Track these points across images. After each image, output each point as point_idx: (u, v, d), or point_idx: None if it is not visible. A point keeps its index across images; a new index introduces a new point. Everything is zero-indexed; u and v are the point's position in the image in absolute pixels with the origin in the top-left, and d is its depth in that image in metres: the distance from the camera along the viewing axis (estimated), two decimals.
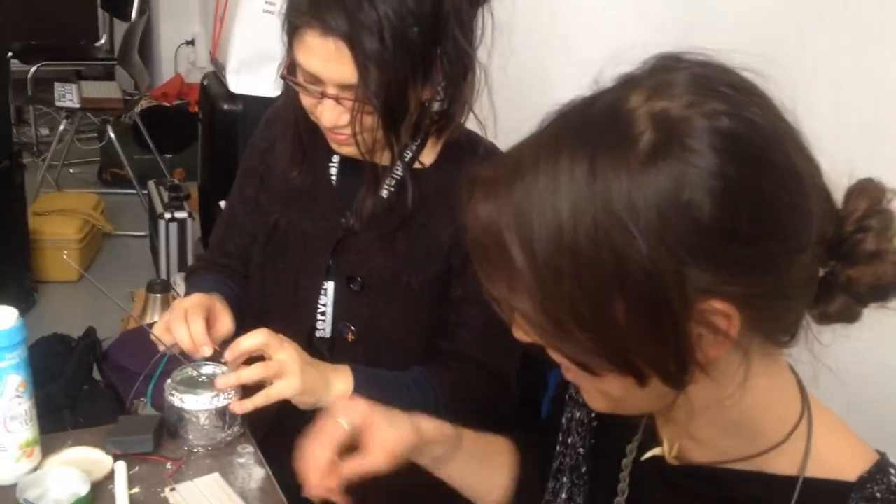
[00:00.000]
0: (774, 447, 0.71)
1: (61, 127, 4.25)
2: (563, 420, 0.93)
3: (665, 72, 0.65)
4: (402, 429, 0.94)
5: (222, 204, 3.37)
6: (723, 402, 0.69)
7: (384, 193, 1.28)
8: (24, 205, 3.34)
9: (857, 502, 0.68)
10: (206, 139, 3.50)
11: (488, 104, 1.22)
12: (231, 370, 1.21)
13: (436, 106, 1.22)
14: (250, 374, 1.18)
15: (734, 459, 0.73)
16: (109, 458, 1.15)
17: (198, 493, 1.11)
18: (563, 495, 0.91)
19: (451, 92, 1.20)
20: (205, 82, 3.57)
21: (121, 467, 1.13)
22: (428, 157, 1.30)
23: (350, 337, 1.35)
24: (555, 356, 0.71)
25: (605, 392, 0.70)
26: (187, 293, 1.44)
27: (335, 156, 1.34)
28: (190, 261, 3.47)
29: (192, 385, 1.22)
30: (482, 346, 1.31)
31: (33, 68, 4.46)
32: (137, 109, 4.36)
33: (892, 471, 0.70)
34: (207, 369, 1.24)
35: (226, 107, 3.32)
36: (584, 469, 0.90)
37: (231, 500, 1.11)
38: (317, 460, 0.93)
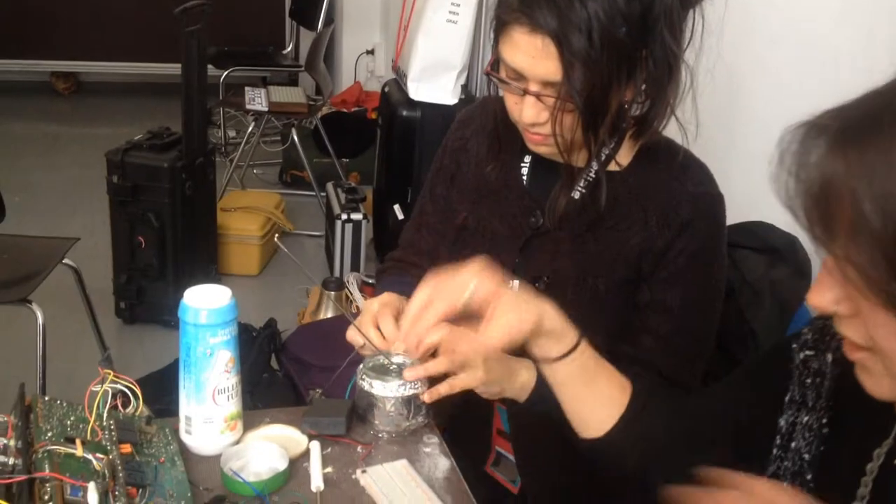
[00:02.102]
0: None
1: (249, 129, 4.48)
2: (782, 422, 0.91)
3: None
4: (526, 315, 1.00)
5: (396, 207, 3.49)
6: None
7: (576, 194, 1.28)
8: (214, 200, 3.55)
9: None
10: (384, 144, 3.61)
11: (691, 108, 1.19)
12: (418, 363, 1.25)
13: (636, 108, 1.21)
14: (436, 366, 1.20)
15: None
16: (305, 438, 1.20)
17: (387, 477, 1.15)
18: None
19: (654, 94, 1.19)
20: (385, 89, 3.68)
21: (315, 447, 1.18)
22: (624, 159, 1.29)
23: None
24: (851, 329, 0.70)
25: None
26: (378, 293, 1.50)
27: (527, 156, 1.35)
28: (363, 261, 3.58)
29: (383, 372, 1.26)
30: (665, 353, 1.28)
31: (225, 73, 4.73)
32: (319, 115, 4.54)
33: None
34: (398, 359, 1.28)
35: (405, 113, 3.42)
36: (808, 476, 0.88)
37: (419, 486, 1.13)
38: (424, 308, 1.02)
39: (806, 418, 0.89)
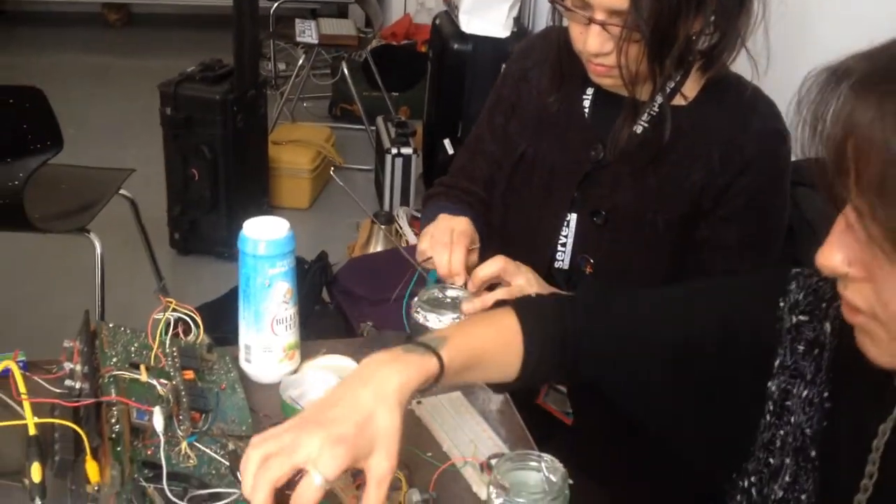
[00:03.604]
0: None
1: (300, 61, 4.46)
2: (774, 388, 0.86)
3: None
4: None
5: (446, 142, 3.47)
6: None
7: (639, 128, 1.25)
8: (265, 133, 3.55)
9: None
10: (435, 78, 3.58)
11: (763, 40, 1.15)
12: (473, 295, 1.25)
13: (704, 39, 1.17)
14: (493, 297, 1.20)
15: None
16: None
17: (442, 408, 1.16)
18: (787, 477, 0.85)
19: (724, 25, 1.16)
20: (437, 22, 3.63)
21: None
22: (690, 93, 1.26)
23: (588, 269, 1.35)
24: (857, 293, 0.66)
25: None
26: (426, 218, 1.49)
27: (589, 88, 1.32)
28: (412, 195, 3.58)
29: (437, 305, 1.26)
30: None
31: (275, 5, 4.70)
32: (369, 48, 4.50)
33: None
34: (452, 292, 1.28)
35: (456, 46, 3.37)
36: (812, 453, 0.84)
37: (473, 418, 1.14)
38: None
39: (805, 392, 0.85)
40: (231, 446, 0.98)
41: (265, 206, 3.52)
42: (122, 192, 2.62)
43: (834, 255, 0.68)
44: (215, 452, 0.98)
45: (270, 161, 3.61)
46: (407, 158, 3.54)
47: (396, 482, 0.95)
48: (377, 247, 3.25)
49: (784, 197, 1.29)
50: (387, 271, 2.67)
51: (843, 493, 0.80)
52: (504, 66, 1.48)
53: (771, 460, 0.86)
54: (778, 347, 0.86)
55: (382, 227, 3.21)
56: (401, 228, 3.33)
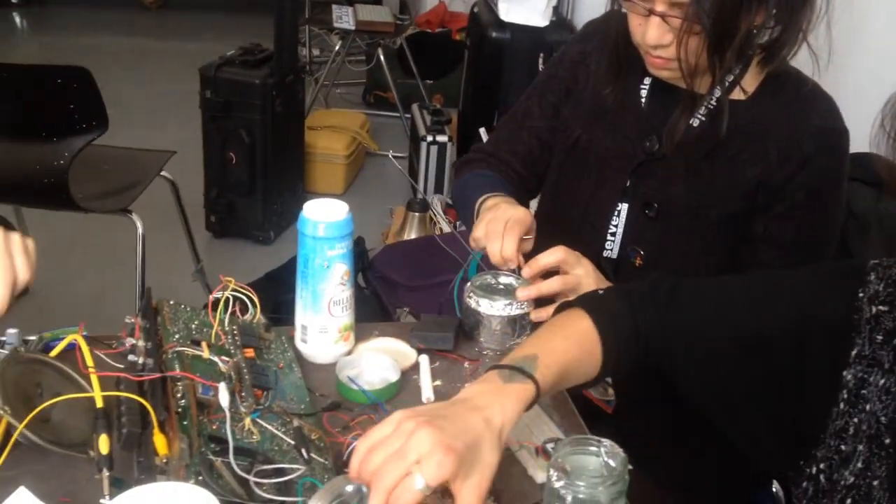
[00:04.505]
0: None
1: (336, 47, 4.48)
2: (850, 377, 0.87)
3: None
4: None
5: (482, 131, 3.47)
6: None
7: (696, 121, 1.26)
8: (302, 118, 3.57)
9: None
10: (472, 66, 3.58)
11: (825, 35, 1.15)
12: (527, 283, 1.26)
13: (766, 33, 1.17)
14: (550, 286, 1.22)
15: None
16: (414, 352, 1.23)
17: None
18: (860, 464, 0.86)
19: (786, 18, 1.15)
20: (475, 9, 3.63)
21: (425, 360, 1.21)
22: (749, 87, 1.26)
23: (637, 261, 1.35)
24: None
25: None
26: (461, 183, 1.49)
27: (647, 78, 1.32)
28: (447, 183, 3.59)
29: (490, 291, 1.27)
30: None
31: None
32: (404, 35, 4.51)
33: None
34: (504, 278, 1.29)
35: (494, 35, 3.37)
36: (887, 441, 0.85)
37: None
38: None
39: (882, 381, 0.86)
40: (296, 423, 1.00)
41: (300, 191, 3.55)
42: (162, 173, 2.65)
43: None
44: (276, 429, 1.00)
45: (306, 146, 3.63)
46: (442, 146, 3.55)
47: None
48: (412, 233, 3.27)
49: (841, 194, 1.29)
50: (422, 258, 2.70)
51: None
52: (563, 47, 1.47)
53: (843, 447, 0.87)
54: (856, 337, 0.87)
55: (416, 215, 3.22)
56: (435, 216, 3.34)
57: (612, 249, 1.37)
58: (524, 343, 0.98)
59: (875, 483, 0.84)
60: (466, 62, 3.66)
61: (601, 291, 1.08)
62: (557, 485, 0.88)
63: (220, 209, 3.32)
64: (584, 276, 1.20)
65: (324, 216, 1.15)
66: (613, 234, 1.36)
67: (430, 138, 3.53)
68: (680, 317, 1.00)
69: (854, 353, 0.87)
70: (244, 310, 1.20)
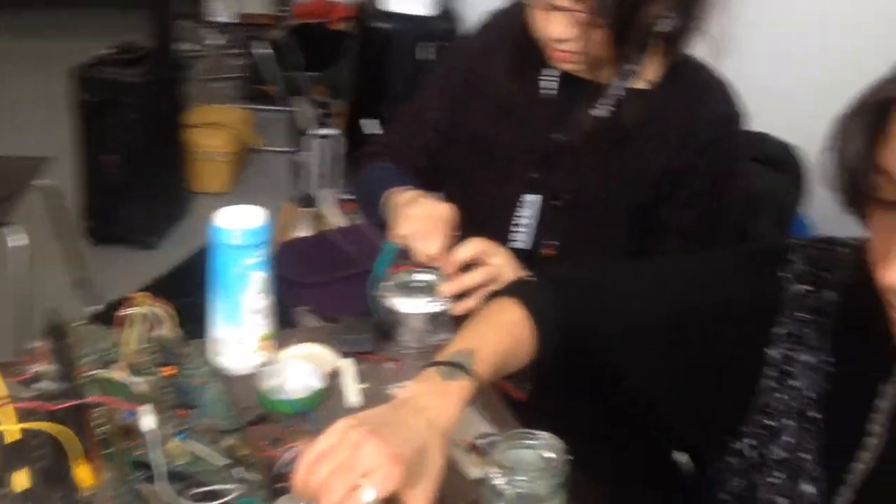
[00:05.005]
0: None
1: (208, 41, 4.34)
2: (776, 355, 0.90)
3: None
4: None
5: (366, 121, 3.43)
6: None
7: (603, 112, 1.28)
8: (182, 117, 3.45)
9: None
10: (357, 57, 3.53)
11: (726, 24, 1.18)
12: (445, 278, 1.25)
13: (665, 23, 1.20)
14: (472, 278, 1.22)
15: None
16: (336, 355, 1.21)
17: None
18: (790, 438, 0.89)
19: (684, 9, 1.18)
20: None
21: (348, 364, 1.19)
22: (652, 77, 1.28)
23: (549, 252, 1.37)
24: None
25: None
26: (365, 176, 1.47)
27: (552, 70, 1.33)
28: (336, 176, 3.54)
29: (407, 289, 1.26)
30: None
31: None
32: (283, 26, 4.41)
33: None
34: (421, 276, 1.28)
35: (377, 24, 3.34)
36: (815, 415, 0.88)
37: None
38: None
39: (807, 357, 0.88)
40: (224, 441, 0.97)
41: (184, 191, 3.43)
42: (38, 181, 2.51)
43: None
44: (205, 449, 0.96)
45: (187, 145, 3.52)
46: (329, 139, 3.50)
47: None
48: (302, 231, 3.21)
49: (739, 178, 1.33)
50: (318, 254, 2.65)
51: (846, 452, 0.84)
52: (459, 38, 1.47)
53: (771, 423, 0.90)
54: (779, 316, 0.90)
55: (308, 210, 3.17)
56: (324, 212, 3.29)
57: (523, 241, 1.38)
58: (458, 336, 0.98)
59: (808, 457, 0.87)
60: (352, 53, 3.61)
61: (527, 280, 1.08)
62: (497, 482, 0.88)
63: (99, 214, 3.18)
64: (503, 264, 1.21)
65: (239, 223, 1.11)
66: (519, 226, 1.37)
67: (316, 132, 3.47)
68: (606, 298, 1.02)
69: (778, 331, 0.90)
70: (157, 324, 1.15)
